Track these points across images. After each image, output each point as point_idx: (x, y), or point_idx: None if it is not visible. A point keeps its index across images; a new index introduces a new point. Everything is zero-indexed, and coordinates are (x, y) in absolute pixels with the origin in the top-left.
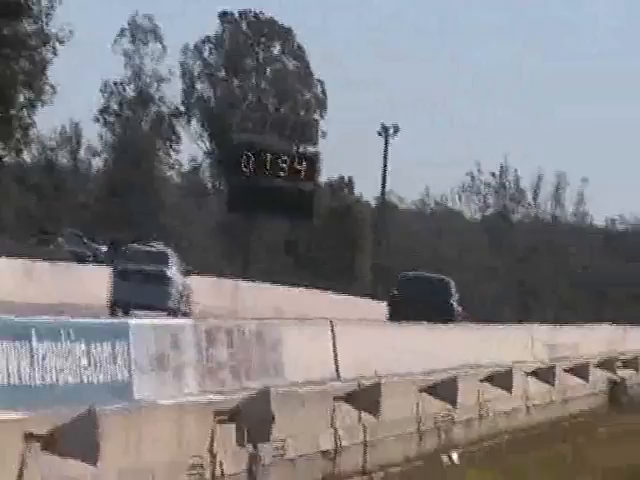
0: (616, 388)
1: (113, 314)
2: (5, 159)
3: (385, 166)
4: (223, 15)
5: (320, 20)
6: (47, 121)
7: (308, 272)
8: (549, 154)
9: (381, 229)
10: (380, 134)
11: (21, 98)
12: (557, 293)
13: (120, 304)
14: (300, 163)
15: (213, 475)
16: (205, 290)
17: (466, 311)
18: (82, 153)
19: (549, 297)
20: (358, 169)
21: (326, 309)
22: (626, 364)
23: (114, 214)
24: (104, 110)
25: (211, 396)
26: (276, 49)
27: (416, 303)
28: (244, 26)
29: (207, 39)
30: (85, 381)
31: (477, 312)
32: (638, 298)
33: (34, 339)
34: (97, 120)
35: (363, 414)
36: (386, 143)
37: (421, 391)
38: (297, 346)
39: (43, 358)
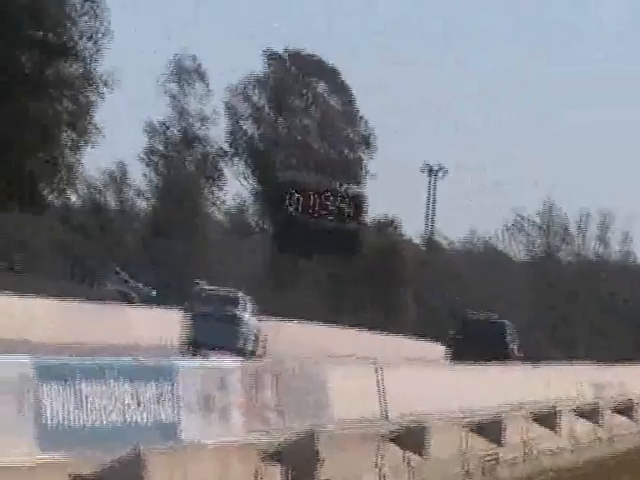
0: None
1: (186, 354)
2: (49, 199)
3: (431, 205)
4: (268, 54)
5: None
6: (93, 162)
7: (353, 311)
8: (593, 191)
9: (427, 268)
10: (423, 171)
11: (65, 138)
12: (604, 333)
13: (195, 345)
14: (346, 202)
15: None
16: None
17: (521, 352)
18: (128, 193)
19: (592, 337)
20: (402, 207)
21: (372, 348)
22: None
23: (158, 254)
24: (149, 150)
25: (256, 436)
26: (320, 87)
27: (476, 345)
28: (288, 64)
29: (251, 78)
30: (129, 420)
31: (529, 352)
32: None
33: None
34: (142, 160)
35: (408, 453)
36: (433, 184)
37: (467, 430)
38: (343, 386)
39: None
